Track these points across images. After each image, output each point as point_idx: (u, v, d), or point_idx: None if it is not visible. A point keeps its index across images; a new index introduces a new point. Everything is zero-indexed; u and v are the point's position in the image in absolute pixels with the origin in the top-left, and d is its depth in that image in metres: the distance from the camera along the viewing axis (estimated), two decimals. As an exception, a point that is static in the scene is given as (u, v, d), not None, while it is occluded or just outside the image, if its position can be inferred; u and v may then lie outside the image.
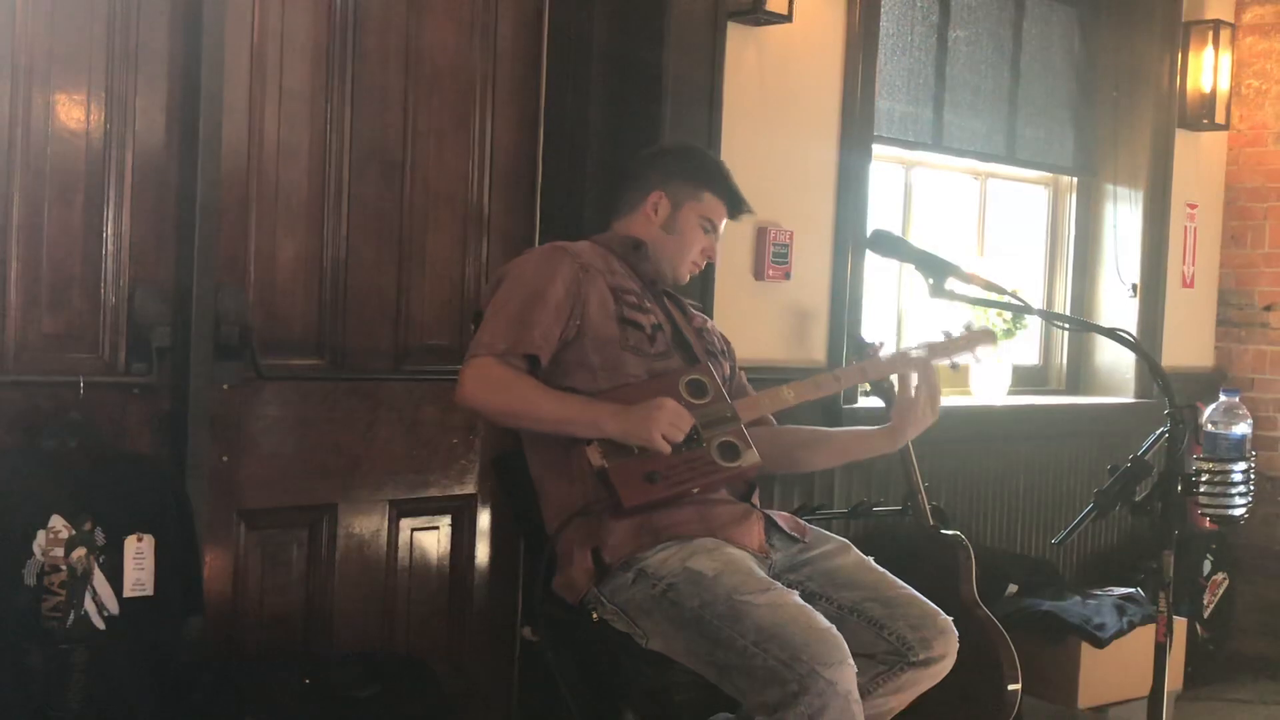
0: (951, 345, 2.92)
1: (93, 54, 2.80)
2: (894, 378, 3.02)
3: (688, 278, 2.95)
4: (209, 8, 2.88)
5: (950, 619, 2.68)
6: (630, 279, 2.83)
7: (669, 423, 2.58)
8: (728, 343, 3.04)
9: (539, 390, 2.64)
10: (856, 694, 2.40)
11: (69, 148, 2.78)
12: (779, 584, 2.56)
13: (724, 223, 2.95)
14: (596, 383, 2.69)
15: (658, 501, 2.60)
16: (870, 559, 2.79)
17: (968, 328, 3.06)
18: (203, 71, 2.87)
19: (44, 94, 2.75)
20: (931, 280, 2.71)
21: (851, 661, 2.39)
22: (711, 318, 3.15)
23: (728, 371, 2.96)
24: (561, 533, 2.65)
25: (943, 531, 3.70)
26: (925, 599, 2.69)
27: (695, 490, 2.64)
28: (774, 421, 2.98)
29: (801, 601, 2.49)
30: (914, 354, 2.92)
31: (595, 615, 2.62)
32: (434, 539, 3.43)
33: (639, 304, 2.79)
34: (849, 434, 3.07)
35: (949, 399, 4.60)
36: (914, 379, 2.88)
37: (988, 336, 2.98)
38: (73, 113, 2.79)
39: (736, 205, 2.95)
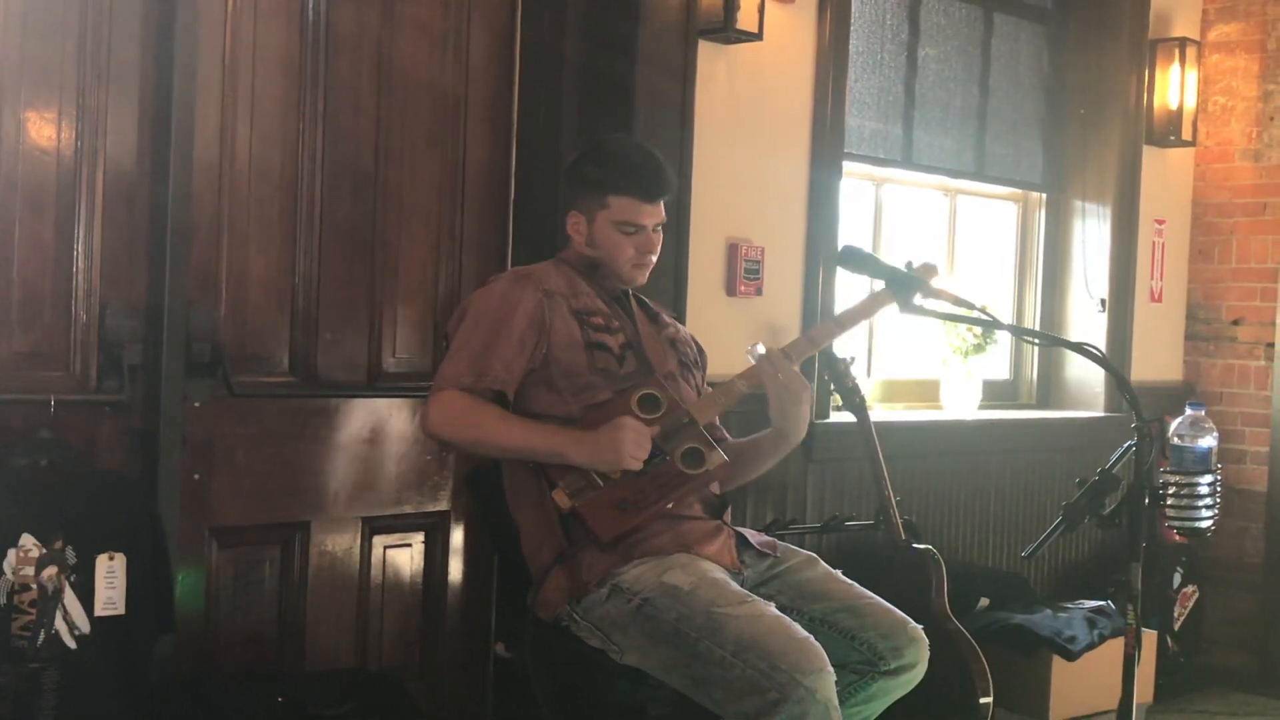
0: (859, 312, 2.85)
1: (64, 70, 2.79)
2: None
3: (644, 277, 2.84)
4: (181, 24, 2.88)
5: (920, 627, 2.70)
6: (597, 298, 2.81)
7: (633, 443, 2.59)
8: (702, 352, 3.02)
9: (503, 420, 2.65)
10: (836, 701, 2.42)
11: (39, 164, 2.77)
12: (755, 596, 2.57)
13: (651, 209, 2.77)
14: (567, 407, 2.70)
15: (636, 527, 2.61)
16: (838, 571, 2.81)
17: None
18: (175, 88, 2.87)
19: (14, 110, 2.74)
20: (901, 296, 2.73)
21: (830, 669, 2.41)
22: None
23: (701, 381, 2.95)
24: (538, 563, 2.68)
25: (914, 545, 3.71)
26: (895, 608, 2.71)
27: (669, 505, 2.65)
28: (727, 434, 2.94)
29: (778, 613, 2.51)
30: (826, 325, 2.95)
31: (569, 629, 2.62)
32: (407, 556, 3.43)
33: (606, 324, 2.78)
34: (748, 442, 2.95)
35: (920, 414, 4.67)
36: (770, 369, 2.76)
37: (886, 298, 2.77)
38: (44, 129, 2.78)
39: (646, 191, 2.76)
